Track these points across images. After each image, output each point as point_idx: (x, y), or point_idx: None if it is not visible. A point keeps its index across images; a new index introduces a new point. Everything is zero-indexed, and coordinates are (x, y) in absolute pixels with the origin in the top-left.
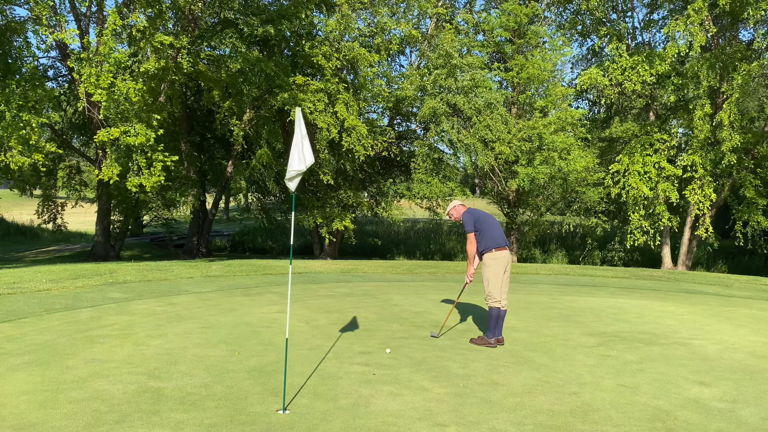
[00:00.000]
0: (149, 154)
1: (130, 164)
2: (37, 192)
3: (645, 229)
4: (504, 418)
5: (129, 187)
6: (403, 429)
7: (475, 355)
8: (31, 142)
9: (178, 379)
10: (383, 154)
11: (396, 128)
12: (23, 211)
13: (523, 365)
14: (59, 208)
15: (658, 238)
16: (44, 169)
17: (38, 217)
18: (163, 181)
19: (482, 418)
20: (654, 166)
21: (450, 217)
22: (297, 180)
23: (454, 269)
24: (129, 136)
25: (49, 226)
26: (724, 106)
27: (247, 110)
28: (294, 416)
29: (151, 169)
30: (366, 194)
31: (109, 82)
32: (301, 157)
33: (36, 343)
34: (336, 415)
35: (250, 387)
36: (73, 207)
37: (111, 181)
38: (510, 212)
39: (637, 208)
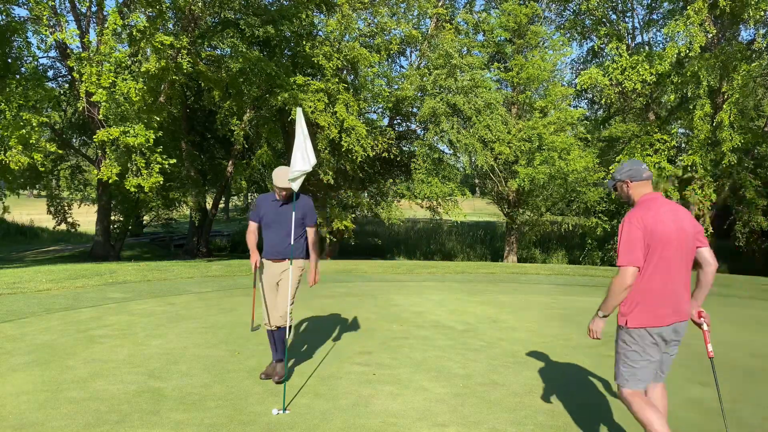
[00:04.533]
0: (148, 156)
1: (129, 165)
2: (38, 193)
3: None
4: (504, 418)
5: (128, 188)
6: (404, 429)
7: (475, 355)
8: (31, 141)
9: (178, 379)
10: (383, 154)
11: (396, 128)
12: (23, 212)
13: (523, 365)
14: (67, 208)
15: None
16: (43, 169)
17: (53, 218)
18: (161, 183)
19: (482, 418)
20: (654, 167)
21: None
22: (300, 180)
23: (454, 269)
24: (129, 136)
25: (62, 226)
26: (724, 106)
27: (248, 110)
28: (294, 416)
29: (149, 170)
30: (366, 194)
31: (110, 81)
32: (305, 157)
33: (36, 343)
34: (336, 415)
35: (250, 387)
36: (79, 207)
37: (110, 181)
38: (510, 212)
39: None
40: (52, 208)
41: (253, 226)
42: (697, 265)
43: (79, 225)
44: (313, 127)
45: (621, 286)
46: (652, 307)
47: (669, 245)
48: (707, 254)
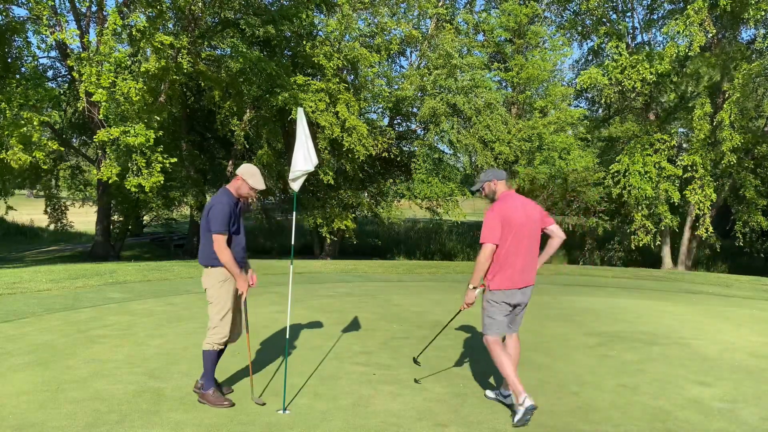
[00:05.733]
0: (148, 155)
1: (129, 164)
2: (37, 192)
3: (648, 229)
4: (504, 418)
5: (128, 187)
6: (404, 429)
7: (476, 355)
8: (33, 139)
9: (178, 379)
10: (383, 154)
11: (396, 128)
12: (23, 212)
13: (523, 365)
14: (63, 208)
15: (659, 238)
16: (46, 167)
17: (48, 218)
18: (162, 182)
19: (483, 418)
20: (654, 166)
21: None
22: (301, 180)
23: (454, 269)
24: (129, 136)
25: (55, 226)
26: (724, 105)
27: (248, 110)
28: (294, 416)
29: (150, 169)
30: (366, 194)
31: (110, 81)
32: (307, 157)
33: (36, 343)
34: (336, 415)
35: (250, 387)
36: (81, 207)
37: (110, 181)
38: None
39: (640, 208)
40: (49, 208)
41: (225, 239)
42: (548, 236)
43: (72, 225)
44: (314, 127)
45: (483, 258)
46: (508, 274)
47: (521, 229)
48: (555, 228)
